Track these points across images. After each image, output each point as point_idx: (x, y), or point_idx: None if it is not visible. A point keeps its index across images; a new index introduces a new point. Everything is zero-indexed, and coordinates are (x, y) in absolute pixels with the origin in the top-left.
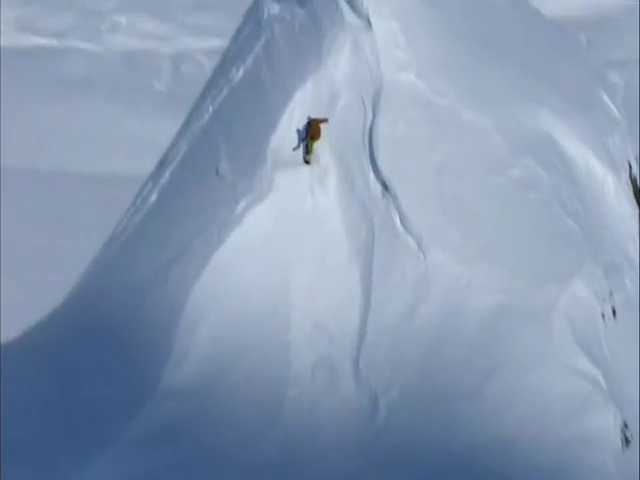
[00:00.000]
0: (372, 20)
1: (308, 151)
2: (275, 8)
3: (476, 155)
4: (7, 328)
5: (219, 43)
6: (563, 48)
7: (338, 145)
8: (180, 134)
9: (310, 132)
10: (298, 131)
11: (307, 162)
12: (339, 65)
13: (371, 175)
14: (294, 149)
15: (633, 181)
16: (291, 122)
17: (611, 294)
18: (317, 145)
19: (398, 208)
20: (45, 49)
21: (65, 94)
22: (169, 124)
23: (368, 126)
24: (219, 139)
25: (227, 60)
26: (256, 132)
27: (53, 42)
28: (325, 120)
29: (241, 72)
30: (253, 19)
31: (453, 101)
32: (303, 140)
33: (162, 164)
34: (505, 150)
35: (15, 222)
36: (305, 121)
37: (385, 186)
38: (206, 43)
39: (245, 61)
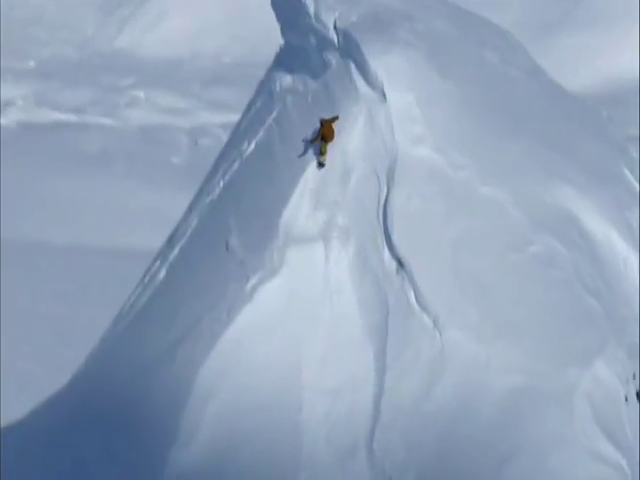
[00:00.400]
0: (387, 92)
1: (322, 152)
2: (287, 80)
3: (494, 231)
4: (22, 399)
5: (236, 117)
6: (583, 122)
7: (351, 220)
8: (190, 209)
9: (322, 133)
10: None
11: (321, 164)
12: (353, 138)
13: (385, 251)
14: (299, 156)
15: None
16: (303, 196)
17: (634, 376)
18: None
19: (413, 285)
20: (64, 124)
21: (83, 168)
22: (187, 198)
23: (382, 200)
24: (229, 213)
25: (239, 133)
26: (267, 206)
27: (72, 117)
28: (336, 118)
29: (253, 145)
30: (265, 91)
31: (470, 175)
32: (311, 142)
33: (171, 239)
34: (524, 226)
35: (32, 295)
36: (316, 195)
37: (400, 262)
38: (223, 117)
39: (257, 134)
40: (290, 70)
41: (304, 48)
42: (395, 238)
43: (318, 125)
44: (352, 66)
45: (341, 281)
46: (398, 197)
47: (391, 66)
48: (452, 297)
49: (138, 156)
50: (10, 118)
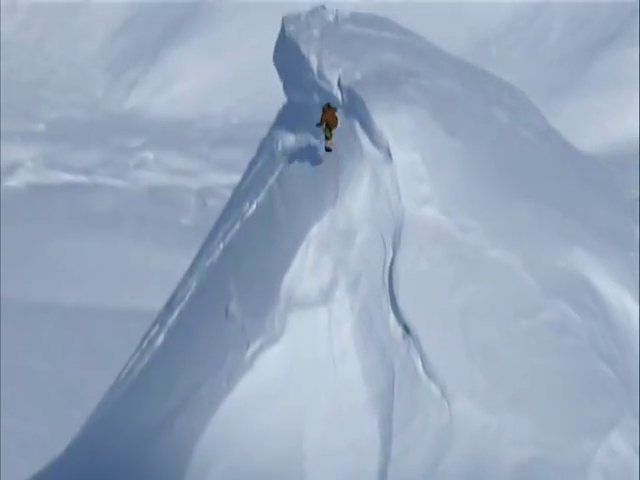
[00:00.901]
0: (392, 151)
1: (327, 137)
2: (290, 139)
3: (504, 296)
4: (26, 462)
5: None
6: (595, 183)
7: (356, 284)
8: (190, 271)
9: (325, 119)
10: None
11: (328, 149)
12: (357, 199)
13: (391, 316)
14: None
15: None
16: (305, 259)
17: None
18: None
19: (420, 352)
20: (73, 185)
21: (92, 229)
22: None
23: (388, 263)
24: (229, 277)
25: (240, 194)
26: (268, 270)
27: (81, 178)
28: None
29: (254, 206)
30: (267, 151)
31: (479, 238)
32: (317, 126)
33: (170, 303)
34: (535, 291)
35: (40, 356)
36: (319, 258)
37: (406, 328)
38: (232, 178)
39: (258, 194)
40: (293, 129)
41: (307, 106)
42: (401, 302)
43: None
44: (356, 124)
45: (345, 347)
46: (404, 260)
47: (396, 124)
48: (460, 365)
49: (147, 217)
50: (20, 180)
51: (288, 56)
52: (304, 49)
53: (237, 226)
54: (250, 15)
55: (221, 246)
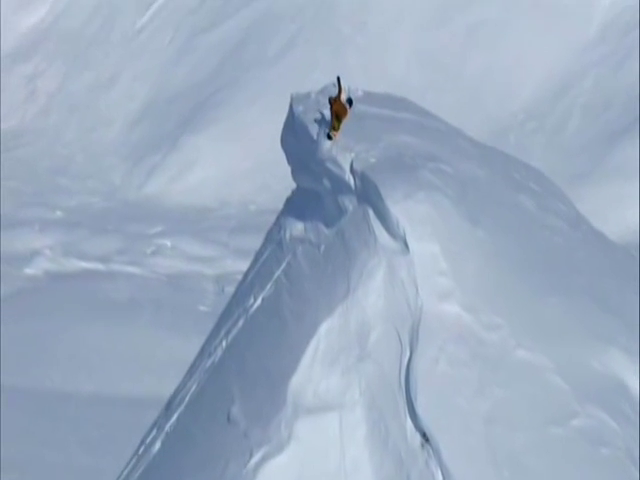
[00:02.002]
0: (409, 242)
1: (333, 127)
2: (298, 228)
3: (532, 401)
4: None
5: None
6: (631, 276)
7: (369, 386)
8: (189, 373)
9: (335, 110)
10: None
11: (329, 137)
12: (371, 293)
13: (408, 422)
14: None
15: None
16: (315, 359)
17: None
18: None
19: (440, 463)
20: (90, 273)
21: (110, 316)
22: None
23: (405, 364)
24: (232, 378)
25: (244, 287)
26: (274, 371)
27: (98, 266)
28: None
29: (259, 300)
30: (274, 240)
31: (506, 337)
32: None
33: (168, 407)
34: (568, 396)
35: (56, 445)
36: (330, 358)
37: (425, 436)
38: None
39: (264, 288)
40: (301, 217)
41: (317, 192)
42: (419, 408)
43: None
44: (370, 212)
45: (358, 457)
46: (423, 361)
47: (414, 212)
48: (485, 477)
49: (164, 304)
50: (38, 268)
51: (296, 139)
52: (313, 131)
53: (241, 322)
54: (268, 101)
55: (223, 344)
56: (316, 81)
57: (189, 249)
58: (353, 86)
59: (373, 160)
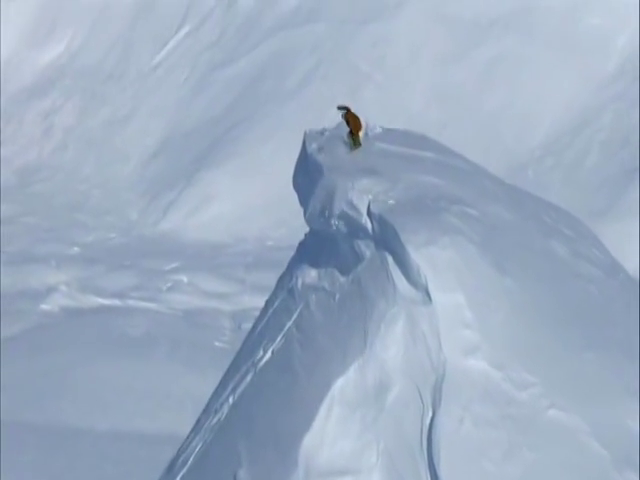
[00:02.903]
0: (431, 291)
1: (355, 144)
2: (311, 275)
3: (567, 467)
4: None
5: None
6: None
7: (388, 449)
8: (194, 431)
9: (351, 125)
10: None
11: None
12: (390, 347)
13: None
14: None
15: None
16: (329, 419)
17: None
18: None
19: None
20: (107, 309)
21: (126, 353)
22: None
23: (427, 425)
24: (239, 438)
25: (253, 339)
26: (285, 431)
27: (115, 302)
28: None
29: (269, 354)
30: (285, 289)
31: (537, 395)
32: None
33: (171, 468)
34: (604, 461)
35: None
36: (345, 418)
37: None
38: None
39: (274, 340)
40: (315, 263)
41: (332, 237)
42: (443, 472)
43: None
44: (389, 259)
45: None
46: (446, 421)
47: (437, 259)
48: None
49: (181, 340)
50: (54, 304)
51: (309, 178)
52: (328, 171)
53: (249, 377)
54: (285, 137)
55: (230, 400)
56: (333, 117)
57: (205, 285)
58: (371, 122)
59: (392, 202)
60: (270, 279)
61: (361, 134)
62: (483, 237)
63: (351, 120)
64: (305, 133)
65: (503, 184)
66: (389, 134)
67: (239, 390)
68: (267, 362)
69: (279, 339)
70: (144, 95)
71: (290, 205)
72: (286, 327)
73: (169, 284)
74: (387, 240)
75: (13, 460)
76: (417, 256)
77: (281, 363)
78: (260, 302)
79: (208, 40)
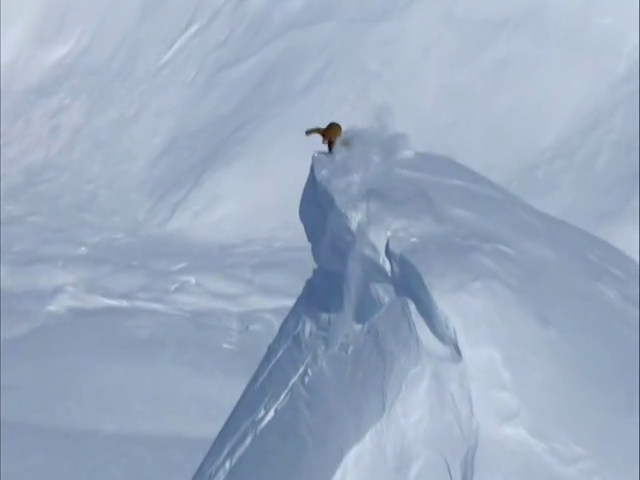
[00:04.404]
0: (461, 346)
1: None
2: (320, 321)
3: None
4: None
5: (287, 302)
6: None
7: None
8: None
9: (328, 140)
10: None
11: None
12: (412, 411)
13: None
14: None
15: None
16: None
17: None
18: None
19: None
20: (114, 309)
21: (132, 354)
22: (236, 385)
23: None
24: None
25: (253, 392)
26: None
27: (122, 303)
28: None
29: (271, 413)
30: (289, 335)
31: (586, 471)
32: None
33: None
34: None
35: None
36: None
37: None
38: (275, 302)
39: (277, 397)
40: (324, 307)
41: (344, 277)
42: None
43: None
44: (412, 307)
45: None
46: None
47: (468, 308)
48: None
49: (188, 341)
50: (61, 305)
51: (318, 210)
52: (340, 201)
53: (248, 440)
54: (293, 137)
55: (227, 466)
56: (342, 117)
57: (213, 286)
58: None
59: (414, 240)
60: (278, 280)
61: (337, 141)
62: (521, 281)
63: (328, 134)
64: (313, 157)
65: (542, 216)
66: (420, 159)
67: (237, 454)
68: (269, 423)
69: (283, 396)
70: (152, 94)
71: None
72: (291, 382)
73: (176, 285)
74: (409, 284)
75: (18, 462)
76: (444, 304)
77: (285, 426)
78: (268, 303)
79: (216, 39)
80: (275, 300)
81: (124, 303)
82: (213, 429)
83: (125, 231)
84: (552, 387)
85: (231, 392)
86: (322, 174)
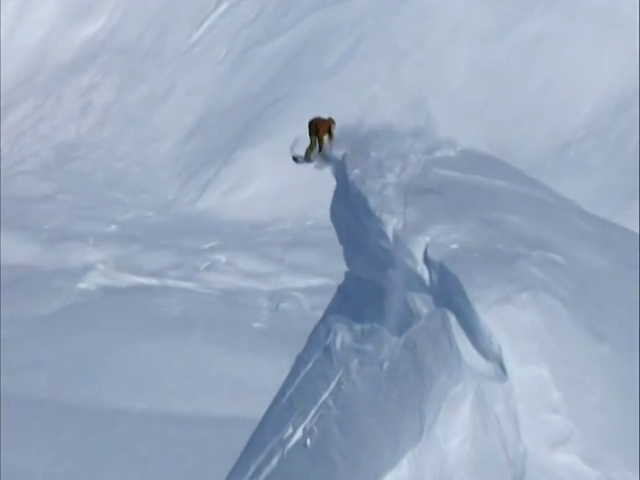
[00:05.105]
0: (507, 364)
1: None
2: (353, 333)
3: None
4: None
5: (318, 282)
6: None
7: None
8: None
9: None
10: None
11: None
12: (454, 435)
13: None
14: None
15: None
16: None
17: None
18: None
19: None
20: (144, 288)
21: (162, 332)
22: (266, 364)
23: None
24: None
25: (280, 406)
26: None
27: (152, 281)
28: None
29: (300, 432)
30: (320, 346)
31: None
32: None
33: None
34: None
35: (109, 465)
36: None
37: None
38: (305, 281)
39: (306, 415)
40: (357, 316)
41: (379, 286)
42: None
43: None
44: (452, 319)
45: None
46: None
47: (514, 322)
48: None
49: (218, 320)
50: (91, 282)
51: (351, 212)
52: (374, 204)
53: (275, 460)
54: (324, 114)
55: None
56: (373, 95)
57: (243, 264)
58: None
59: (455, 246)
60: (309, 259)
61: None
62: (572, 292)
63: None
64: (345, 156)
65: (593, 218)
66: (451, 156)
67: (263, 475)
68: (297, 444)
69: (312, 414)
70: (182, 73)
71: (329, 184)
72: (321, 399)
73: (207, 263)
74: (449, 295)
75: (49, 439)
76: (488, 318)
77: (315, 447)
78: (299, 282)
79: (247, 17)
80: (305, 279)
81: (154, 281)
82: (243, 408)
83: (155, 209)
84: (607, 409)
85: (260, 371)
86: (355, 174)
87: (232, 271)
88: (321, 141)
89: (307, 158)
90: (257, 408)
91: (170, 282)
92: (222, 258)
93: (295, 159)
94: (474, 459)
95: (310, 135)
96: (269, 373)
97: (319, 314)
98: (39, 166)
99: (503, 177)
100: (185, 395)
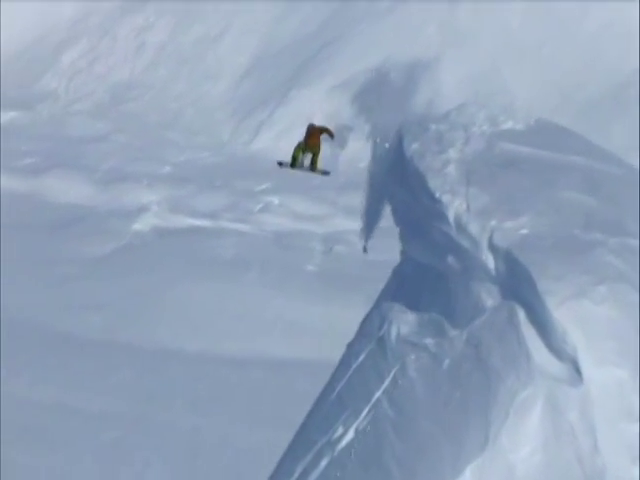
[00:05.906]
0: (583, 365)
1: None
2: (410, 323)
3: None
4: None
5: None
6: None
7: None
8: None
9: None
10: None
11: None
12: (522, 444)
13: None
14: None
15: None
16: None
17: None
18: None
19: None
20: (198, 229)
21: (216, 274)
22: (319, 307)
23: None
24: None
25: (329, 402)
26: None
27: (206, 222)
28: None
29: (351, 433)
30: (373, 337)
31: None
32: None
33: None
34: None
35: (163, 405)
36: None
37: None
38: (358, 224)
39: (358, 414)
40: (414, 304)
41: (439, 273)
42: None
43: None
44: (521, 314)
45: None
46: None
47: (591, 318)
48: None
49: (271, 262)
50: (145, 224)
51: (408, 190)
52: (434, 184)
53: (323, 463)
54: (378, 56)
55: None
56: (429, 37)
57: (297, 207)
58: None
59: (524, 232)
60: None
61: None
62: None
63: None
64: (402, 126)
65: None
66: (518, 130)
67: (311, 478)
68: (348, 446)
69: (365, 413)
70: (237, 12)
71: None
72: (374, 397)
73: (260, 205)
74: (517, 286)
75: (105, 380)
76: (561, 313)
77: (367, 452)
78: (352, 225)
79: None
80: (358, 221)
81: (208, 223)
82: (295, 350)
83: (209, 150)
84: None
85: (313, 314)
86: (413, 148)
87: (285, 213)
88: (315, 151)
89: (293, 163)
90: (309, 351)
91: (224, 224)
92: (275, 200)
93: (280, 163)
94: (545, 472)
95: (305, 138)
96: (321, 316)
97: (372, 257)
98: (94, 106)
99: (578, 152)
100: (238, 337)
